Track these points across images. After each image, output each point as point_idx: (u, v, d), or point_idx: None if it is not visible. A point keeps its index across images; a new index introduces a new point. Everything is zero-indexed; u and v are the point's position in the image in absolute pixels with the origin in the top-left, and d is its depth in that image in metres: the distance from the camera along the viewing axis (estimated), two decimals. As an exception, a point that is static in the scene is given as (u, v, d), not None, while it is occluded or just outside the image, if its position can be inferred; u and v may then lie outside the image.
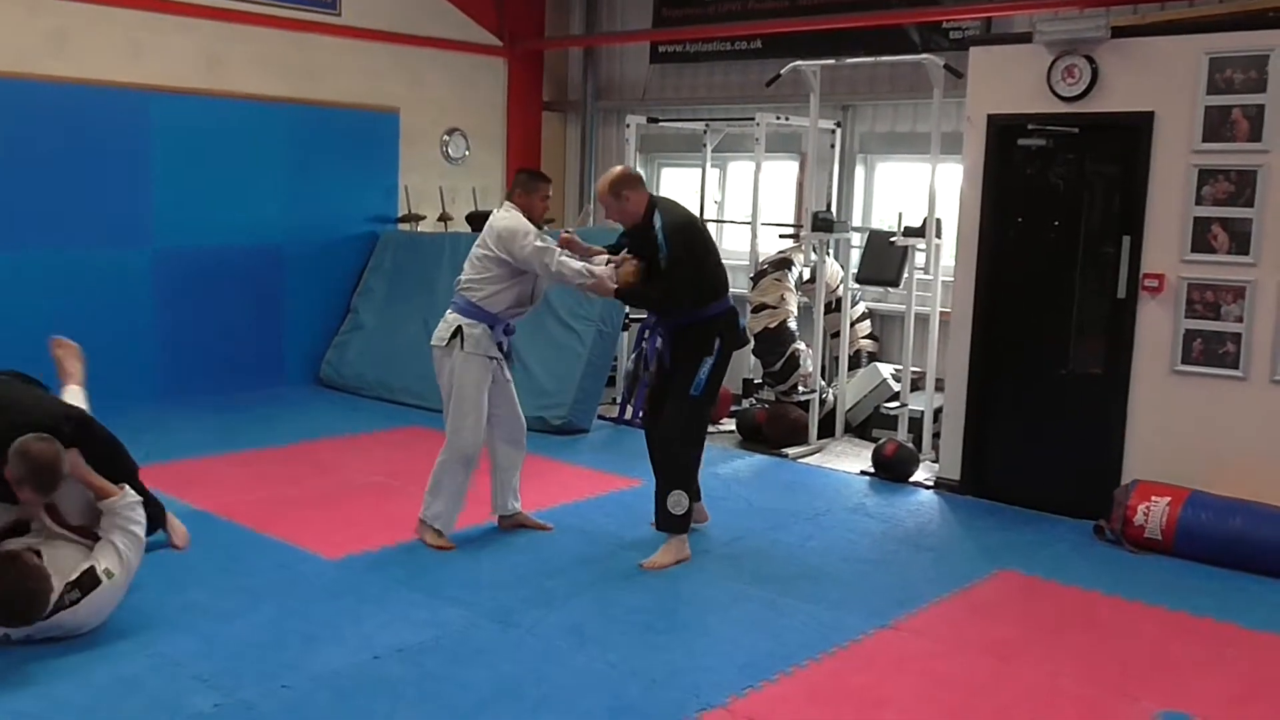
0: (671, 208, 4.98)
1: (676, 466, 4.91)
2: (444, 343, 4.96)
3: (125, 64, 7.61)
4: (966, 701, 3.69)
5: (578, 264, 4.93)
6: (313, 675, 3.60)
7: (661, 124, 8.74)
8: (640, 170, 9.54)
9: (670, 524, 4.88)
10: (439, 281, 8.37)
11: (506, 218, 4.96)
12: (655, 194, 5.11)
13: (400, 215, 9.13)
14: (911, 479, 6.46)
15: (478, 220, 9.02)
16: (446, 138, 9.58)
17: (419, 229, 9.13)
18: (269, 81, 8.31)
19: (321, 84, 8.61)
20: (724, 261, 5.09)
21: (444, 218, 9.36)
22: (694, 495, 5.03)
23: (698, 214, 5.35)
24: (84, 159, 7.41)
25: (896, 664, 3.98)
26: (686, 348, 4.92)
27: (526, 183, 5.11)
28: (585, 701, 3.54)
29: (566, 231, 5.26)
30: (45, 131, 7.24)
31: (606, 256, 5.06)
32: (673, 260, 4.78)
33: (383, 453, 6.72)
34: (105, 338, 7.49)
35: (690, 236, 4.87)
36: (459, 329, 4.92)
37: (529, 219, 4.99)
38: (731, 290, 5.16)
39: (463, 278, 5.02)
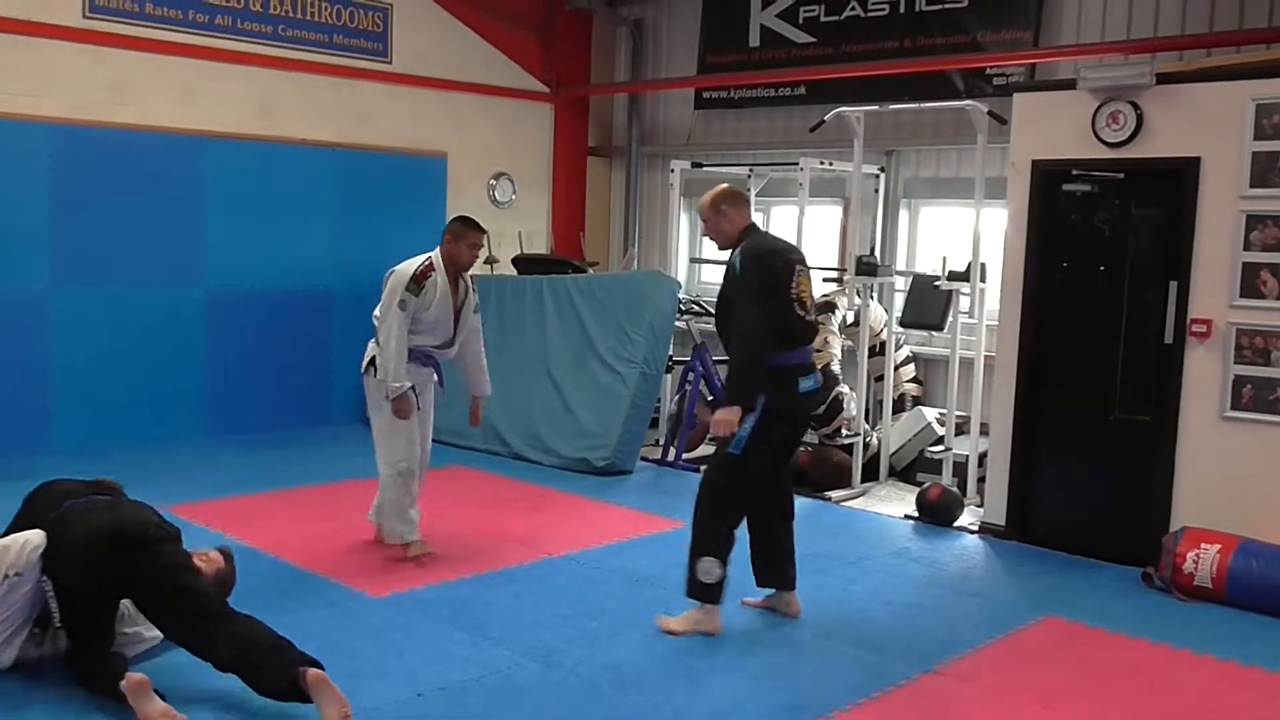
0: (764, 238, 4.69)
1: (707, 529, 4.53)
2: (362, 369, 5.35)
3: (181, 111, 7.84)
4: (1012, 749, 3.66)
5: (392, 364, 5.07)
6: (357, 712, 3.60)
7: (705, 168, 8.83)
8: (684, 214, 9.64)
9: (698, 591, 4.51)
10: (485, 323, 8.42)
11: (402, 266, 5.22)
12: (762, 230, 4.81)
13: (447, 258, 9.24)
14: (956, 524, 6.42)
15: (524, 264, 9.15)
16: (493, 182, 9.73)
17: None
18: (320, 127, 8.51)
19: (371, 129, 8.80)
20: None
21: (490, 260, 9.46)
22: (727, 563, 4.54)
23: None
24: (141, 202, 7.64)
25: (940, 710, 3.95)
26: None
27: (456, 230, 5.28)
28: (627, 742, 3.55)
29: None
30: (105, 176, 7.49)
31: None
32: (743, 286, 4.42)
33: (426, 492, 6.72)
34: (158, 375, 7.73)
35: (765, 266, 4.43)
36: (373, 358, 5.26)
37: (453, 264, 5.25)
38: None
39: (376, 310, 5.29)
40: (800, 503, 6.89)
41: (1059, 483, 6.02)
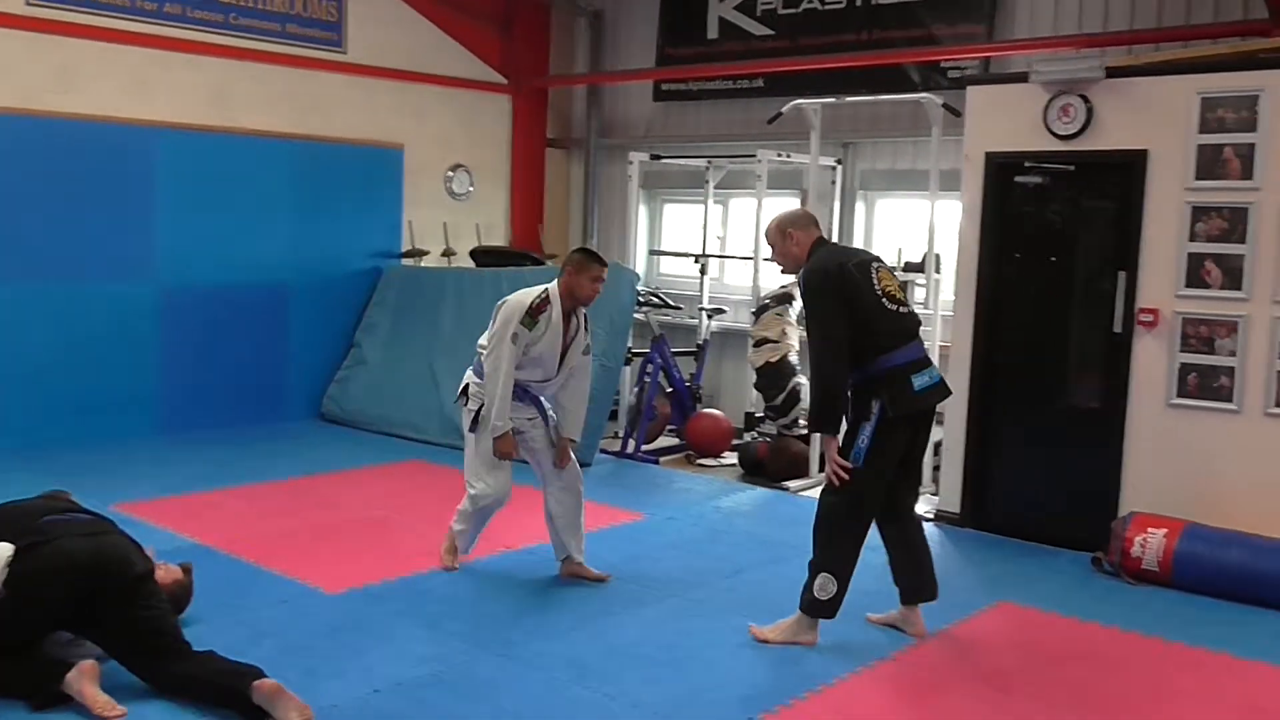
0: (828, 253, 4.41)
1: (828, 544, 4.35)
2: (455, 398, 5.13)
3: (130, 101, 7.71)
4: (965, 733, 3.72)
5: (496, 403, 4.79)
6: (313, 710, 3.61)
7: (664, 161, 8.84)
8: (643, 206, 9.65)
9: (811, 607, 4.35)
10: (443, 317, 8.47)
11: (516, 297, 4.89)
12: (828, 241, 4.57)
13: (404, 250, 9.21)
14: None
15: (481, 256, 9.13)
16: (450, 174, 9.68)
17: (423, 264, 9.22)
18: (274, 118, 8.42)
19: (327, 120, 8.73)
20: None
21: (448, 253, 9.44)
22: (848, 581, 4.37)
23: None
24: (90, 195, 7.50)
25: (896, 695, 4.01)
26: (853, 414, 4.35)
27: (579, 262, 4.90)
28: (585, 734, 3.57)
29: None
30: (51, 167, 7.34)
31: None
32: (808, 310, 4.37)
33: (384, 487, 6.76)
34: (109, 372, 7.62)
35: (824, 285, 4.26)
36: (466, 385, 5.03)
37: (573, 300, 4.89)
38: (911, 339, 4.37)
39: (481, 338, 5.03)
40: (758, 493, 7.04)
41: (1012, 470, 6.10)
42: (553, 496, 5.09)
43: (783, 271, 4.66)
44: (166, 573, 4.14)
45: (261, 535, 5.60)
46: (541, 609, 4.70)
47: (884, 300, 4.28)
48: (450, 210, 9.64)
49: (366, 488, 6.73)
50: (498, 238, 10.00)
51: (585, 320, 5.04)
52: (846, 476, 4.27)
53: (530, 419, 5.01)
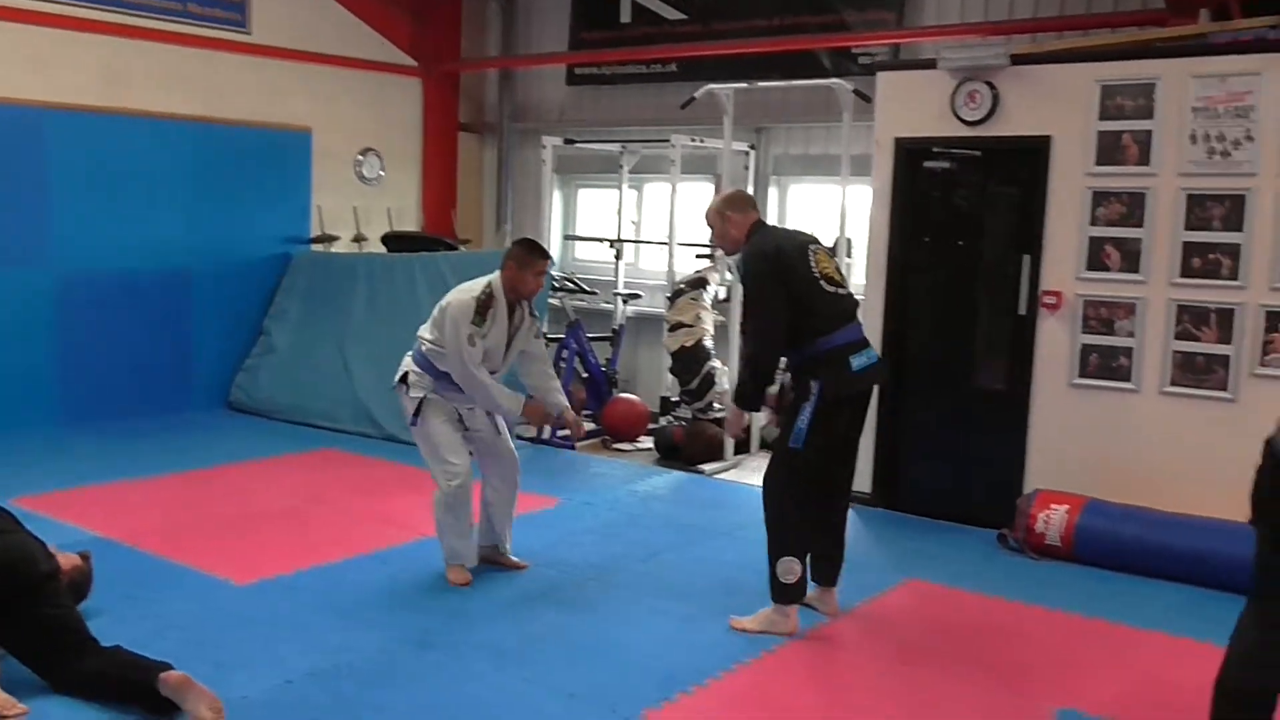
0: (766, 236, 4.43)
1: (782, 528, 4.34)
2: (393, 385, 4.96)
3: (20, 80, 7.40)
4: (875, 705, 3.80)
5: (494, 396, 4.70)
6: (223, 702, 3.54)
7: (578, 145, 8.81)
8: (557, 191, 9.61)
9: (779, 593, 4.34)
10: (354, 303, 8.34)
11: (459, 298, 4.72)
12: (768, 224, 4.56)
13: (313, 236, 9.05)
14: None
15: (394, 241, 9.01)
16: (360, 158, 9.53)
17: (333, 250, 9.07)
18: (174, 99, 8.18)
19: (231, 102, 8.51)
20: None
21: (358, 239, 9.30)
22: (804, 559, 4.37)
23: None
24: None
25: (809, 671, 4.07)
26: (794, 395, 4.37)
27: (520, 257, 4.75)
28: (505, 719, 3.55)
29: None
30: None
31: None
32: (746, 292, 4.41)
33: (295, 476, 6.65)
34: (4, 361, 7.34)
35: (762, 266, 4.29)
36: (406, 373, 4.87)
37: (516, 294, 4.77)
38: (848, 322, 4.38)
39: (422, 328, 4.89)
40: (674, 476, 7.07)
41: (921, 451, 6.22)
42: (490, 485, 5.03)
43: (725, 254, 4.67)
44: (65, 560, 4.02)
45: (167, 527, 5.47)
46: (458, 597, 4.67)
47: (822, 282, 4.29)
48: (361, 195, 9.49)
49: (277, 477, 6.61)
50: (409, 223, 9.87)
51: (529, 308, 4.93)
52: (737, 433, 4.30)
53: (470, 408, 4.91)
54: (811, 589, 4.60)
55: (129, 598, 4.39)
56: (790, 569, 4.30)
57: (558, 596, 4.73)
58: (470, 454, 4.92)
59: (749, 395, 4.44)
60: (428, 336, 4.82)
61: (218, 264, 8.40)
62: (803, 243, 4.41)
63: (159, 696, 3.39)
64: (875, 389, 4.60)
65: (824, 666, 4.13)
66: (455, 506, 4.82)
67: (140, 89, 8.02)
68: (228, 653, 3.95)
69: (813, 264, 4.31)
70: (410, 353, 4.91)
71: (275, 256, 8.81)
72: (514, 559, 5.09)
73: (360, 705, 3.60)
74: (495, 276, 4.78)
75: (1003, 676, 4.04)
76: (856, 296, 4.55)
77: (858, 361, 4.30)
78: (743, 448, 7.55)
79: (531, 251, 4.80)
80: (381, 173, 9.68)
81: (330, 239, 9.05)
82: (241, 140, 8.50)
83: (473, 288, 4.75)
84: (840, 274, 4.45)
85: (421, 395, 4.81)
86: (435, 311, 4.83)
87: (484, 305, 4.67)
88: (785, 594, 4.34)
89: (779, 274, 4.26)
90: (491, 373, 4.79)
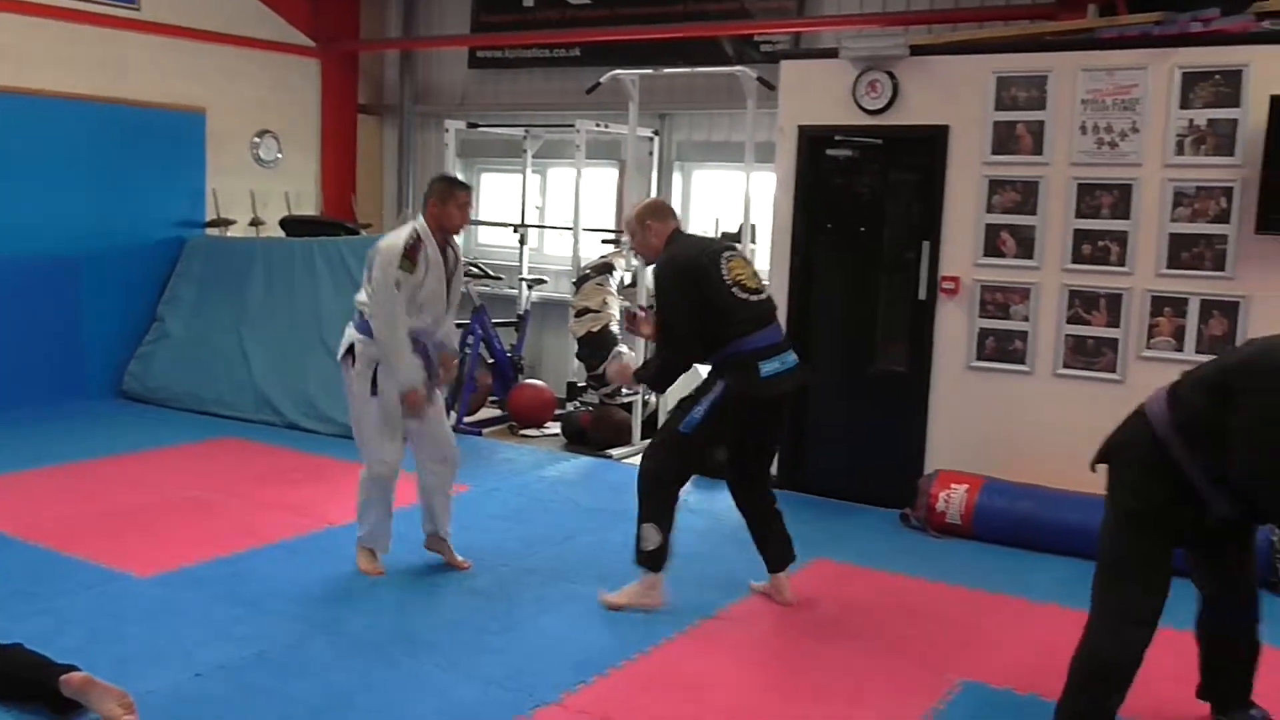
0: (680, 245, 4.49)
1: (651, 498, 4.44)
2: (339, 358, 4.74)
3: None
4: (787, 681, 3.88)
5: (403, 356, 4.52)
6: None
7: (481, 129, 8.74)
8: (459, 174, 9.52)
9: (641, 558, 4.45)
10: (252, 288, 8.15)
11: (387, 242, 4.59)
12: (684, 232, 4.63)
13: (208, 220, 8.81)
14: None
15: (293, 225, 8.82)
16: (257, 140, 9.31)
17: (229, 234, 8.85)
18: (64, 78, 7.88)
19: (121, 81, 8.23)
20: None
21: (255, 222, 9.09)
22: (669, 532, 4.46)
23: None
24: None
25: (722, 650, 4.14)
26: (700, 385, 4.47)
27: (441, 191, 4.65)
28: (420, 707, 3.54)
29: (641, 309, 4.71)
30: None
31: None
32: (659, 299, 4.45)
33: (195, 465, 6.49)
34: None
35: (673, 275, 4.38)
36: (352, 345, 4.67)
37: (443, 232, 4.66)
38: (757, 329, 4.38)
39: (359, 294, 4.74)
40: (583, 461, 7.09)
41: (826, 434, 6.35)
42: (427, 469, 4.86)
43: (645, 263, 4.69)
44: None
45: (62, 519, 5.29)
46: (369, 585, 4.63)
47: (735, 289, 4.35)
48: (258, 178, 9.27)
49: (175, 467, 6.43)
50: (308, 206, 9.68)
51: (458, 250, 4.85)
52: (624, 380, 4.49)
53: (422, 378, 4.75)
54: (764, 581, 4.70)
55: (25, 594, 4.26)
56: (650, 536, 4.41)
57: (470, 583, 4.72)
58: (404, 440, 4.79)
59: (653, 377, 4.60)
60: (366, 300, 4.67)
61: (109, 248, 8.13)
62: (717, 251, 4.47)
63: (61, 697, 3.30)
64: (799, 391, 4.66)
65: (738, 645, 4.20)
66: (384, 486, 4.74)
67: (28, 67, 7.71)
68: (132, 647, 3.85)
69: (725, 272, 4.37)
70: (351, 323, 4.73)
71: (169, 240, 8.55)
72: (458, 558, 4.95)
73: (272, 696, 3.55)
74: (419, 220, 4.67)
75: (910, 650, 4.17)
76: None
77: (768, 367, 4.34)
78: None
79: (451, 184, 4.72)
80: (279, 155, 9.47)
81: (226, 223, 8.82)
82: (133, 121, 8.22)
83: (400, 233, 4.63)
84: (756, 279, 4.50)
85: (373, 365, 4.60)
86: (365, 270, 4.69)
87: (411, 249, 4.52)
88: (645, 559, 4.45)
89: (692, 282, 4.34)
90: (435, 323, 4.71)
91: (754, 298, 4.41)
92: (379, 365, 4.62)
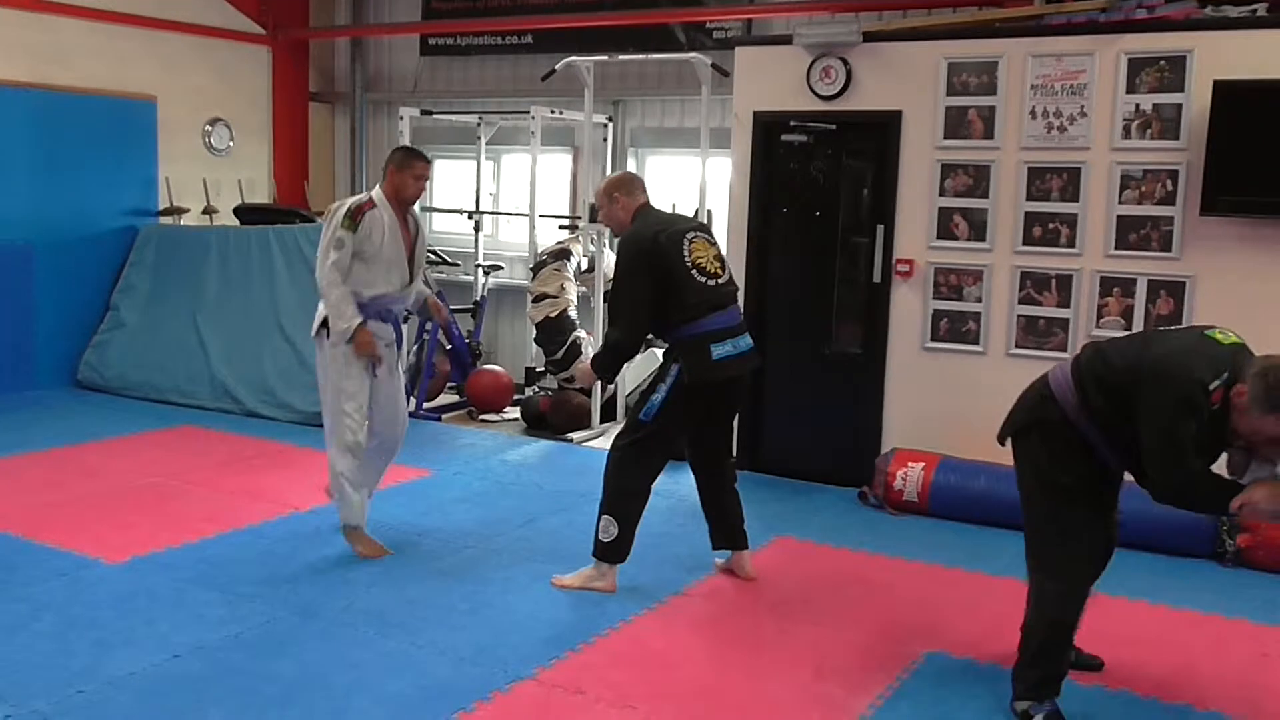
0: (646, 220, 4.52)
1: (611, 490, 4.51)
2: (313, 333, 4.81)
3: None
4: (754, 656, 3.97)
5: (339, 304, 4.60)
6: (109, 679, 3.49)
7: (435, 116, 8.74)
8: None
9: (598, 549, 4.52)
10: (208, 277, 8.11)
11: (340, 205, 4.73)
12: (653, 208, 4.67)
13: (161, 209, 8.72)
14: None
15: (247, 214, 8.77)
16: (209, 128, 9.23)
17: (182, 222, 8.77)
18: (8, 65, 7.77)
19: (68, 69, 8.13)
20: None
21: (209, 210, 9.02)
22: (633, 524, 4.52)
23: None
24: None
25: (689, 626, 4.23)
26: (657, 371, 4.52)
27: (399, 159, 4.76)
28: (396, 684, 3.59)
29: None
30: None
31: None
32: (616, 272, 4.53)
33: (155, 454, 6.45)
34: None
35: (633, 252, 4.40)
36: (325, 320, 4.72)
37: (400, 201, 4.75)
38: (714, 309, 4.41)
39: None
40: (543, 445, 7.14)
41: (784, 415, 6.45)
42: (375, 440, 4.94)
43: (613, 234, 4.73)
44: None
45: (25, 508, 5.27)
46: (337, 567, 4.66)
47: (693, 272, 4.36)
48: (210, 166, 9.20)
49: (136, 455, 6.40)
50: (261, 195, 9.62)
51: (421, 222, 4.98)
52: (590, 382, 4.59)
53: (388, 345, 4.87)
54: (725, 556, 4.80)
55: (-5, 581, 4.25)
56: (608, 529, 4.46)
57: (437, 564, 4.76)
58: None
59: (607, 368, 4.62)
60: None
61: (61, 237, 8.03)
62: (680, 230, 4.47)
63: None
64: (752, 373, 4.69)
65: (704, 622, 4.29)
66: (356, 456, 4.79)
67: (-26, 53, 7.61)
68: (107, 631, 3.87)
69: (686, 254, 4.38)
70: (322, 300, 4.77)
71: (121, 229, 8.45)
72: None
73: (250, 675, 3.59)
74: (376, 189, 4.78)
75: (873, 624, 4.28)
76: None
77: (720, 350, 4.37)
78: (608, 416, 7.68)
79: (410, 154, 4.82)
80: (231, 143, 9.40)
81: (179, 211, 8.75)
82: (83, 109, 8.11)
83: (353, 198, 4.77)
84: (718, 263, 4.50)
85: (354, 323, 4.64)
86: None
87: (357, 210, 4.63)
88: (603, 551, 4.51)
89: (650, 262, 4.35)
90: (402, 287, 4.81)
91: (711, 281, 4.42)
92: (364, 322, 4.69)
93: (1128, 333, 3.57)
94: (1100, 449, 3.37)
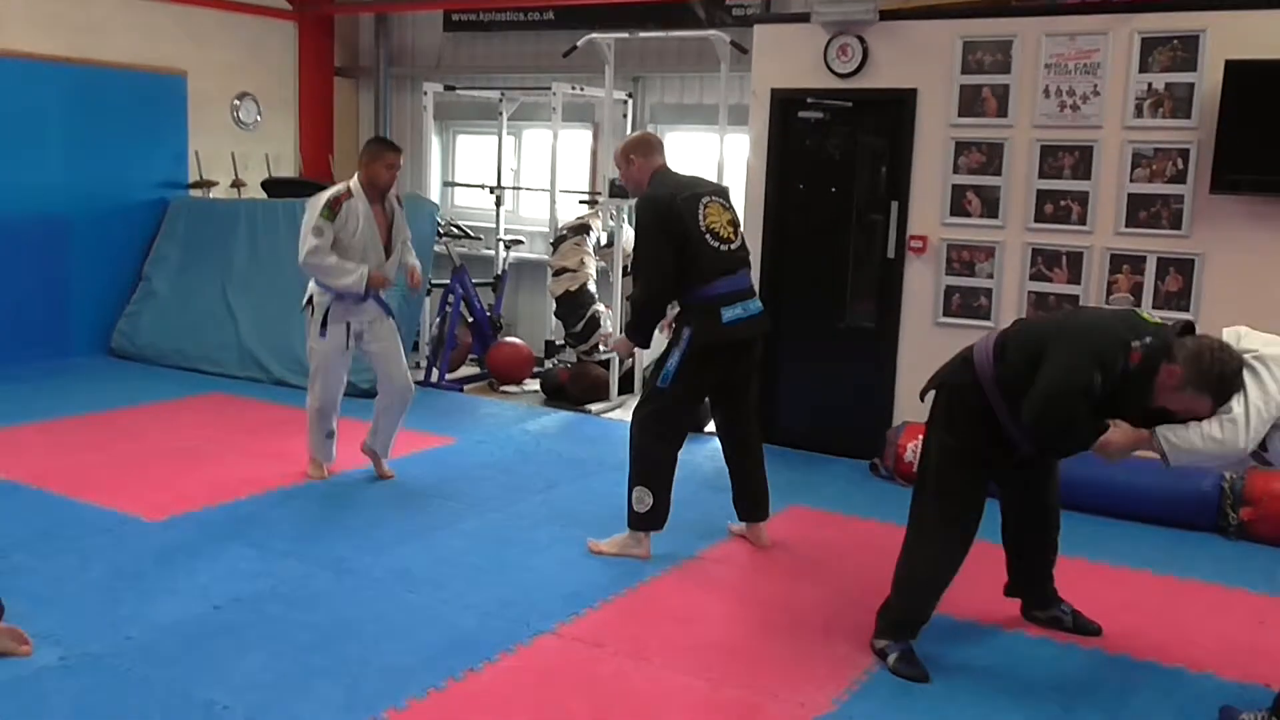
0: (663, 181, 4.59)
1: (640, 461, 4.60)
2: (301, 308, 5.43)
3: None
4: (764, 614, 4.15)
5: (333, 272, 5.16)
6: (156, 626, 3.69)
7: (458, 92, 8.87)
8: (435, 136, 9.66)
9: (633, 520, 4.62)
10: (236, 248, 8.30)
11: (317, 195, 5.26)
12: (671, 170, 4.71)
13: (191, 181, 8.92)
14: (706, 429, 6.91)
15: (274, 187, 8.95)
16: (237, 102, 9.40)
17: (211, 195, 8.96)
18: (46, 40, 7.95)
19: (103, 44, 8.31)
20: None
21: (237, 184, 9.20)
22: (667, 492, 4.63)
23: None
24: None
25: (705, 587, 4.40)
26: (670, 338, 4.62)
27: (372, 151, 5.26)
28: (424, 634, 3.78)
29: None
30: None
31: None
32: (636, 232, 4.60)
33: (188, 419, 6.66)
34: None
35: (650, 215, 4.46)
36: (311, 295, 5.33)
37: (374, 188, 5.24)
38: (728, 276, 4.51)
39: None
40: (562, 415, 7.31)
41: (797, 387, 6.60)
42: (382, 401, 5.53)
43: (631, 196, 4.86)
44: None
45: (68, 468, 5.49)
46: (366, 527, 4.85)
47: (706, 236, 4.43)
48: (238, 140, 9.37)
49: (169, 420, 6.61)
50: (287, 168, 9.79)
51: (399, 202, 5.46)
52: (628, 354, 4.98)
53: (371, 321, 5.36)
54: (742, 525, 4.96)
55: (47, 535, 4.47)
56: (642, 498, 4.57)
57: (462, 526, 4.95)
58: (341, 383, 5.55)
59: (641, 331, 4.71)
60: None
61: (95, 209, 8.23)
62: (697, 194, 4.52)
63: None
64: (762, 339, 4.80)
65: (718, 584, 4.47)
66: (318, 419, 5.49)
67: (13, 29, 7.78)
68: (150, 583, 4.08)
69: (701, 218, 4.44)
70: (312, 279, 5.36)
71: (153, 202, 8.66)
72: (386, 468, 5.61)
73: (289, 624, 3.79)
74: (353, 179, 5.28)
75: (881, 588, 4.31)
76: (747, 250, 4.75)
77: (730, 314, 4.45)
78: (626, 388, 7.84)
79: (381, 145, 5.34)
80: (258, 117, 9.57)
81: (208, 184, 8.94)
82: (116, 83, 8.29)
83: (332, 189, 5.29)
84: (732, 227, 4.57)
85: (324, 310, 5.29)
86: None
87: (335, 201, 5.16)
88: (638, 521, 4.61)
89: (666, 222, 4.42)
90: (376, 266, 5.28)
91: (724, 246, 4.49)
92: (329, 310, 5.27)
93: None
94: (1002, 415, 3.54)
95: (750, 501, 4.91)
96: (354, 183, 5.24)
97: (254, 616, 3.84)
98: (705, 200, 4.53)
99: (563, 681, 3.52)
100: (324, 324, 5.29)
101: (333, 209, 5.13)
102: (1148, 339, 3.30)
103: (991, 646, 3.91)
